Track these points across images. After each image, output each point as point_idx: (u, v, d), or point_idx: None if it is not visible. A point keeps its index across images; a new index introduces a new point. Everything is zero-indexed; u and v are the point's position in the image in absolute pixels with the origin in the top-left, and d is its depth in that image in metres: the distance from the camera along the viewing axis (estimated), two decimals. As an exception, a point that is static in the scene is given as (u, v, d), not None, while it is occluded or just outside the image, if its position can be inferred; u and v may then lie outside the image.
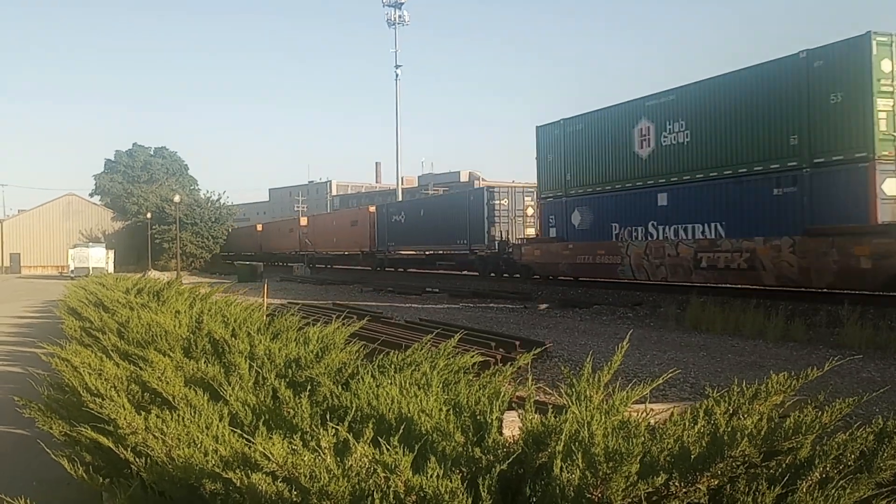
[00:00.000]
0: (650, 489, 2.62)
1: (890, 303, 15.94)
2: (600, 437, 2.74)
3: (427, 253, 39.05)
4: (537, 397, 5.08)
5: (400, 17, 67.26)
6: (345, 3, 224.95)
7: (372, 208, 46.40)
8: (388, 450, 2.78)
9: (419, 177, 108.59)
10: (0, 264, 69.76)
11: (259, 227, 70.33)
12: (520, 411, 3.31)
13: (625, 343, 4.23)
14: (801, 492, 2.65)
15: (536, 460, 2.95)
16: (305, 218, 59.75)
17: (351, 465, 2.84)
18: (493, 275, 31.98)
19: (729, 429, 2.79)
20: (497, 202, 32.48)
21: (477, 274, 33.39)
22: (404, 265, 43.57)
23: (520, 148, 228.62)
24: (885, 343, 11.94)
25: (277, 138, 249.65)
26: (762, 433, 2.79)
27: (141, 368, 5.02)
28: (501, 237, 31.85)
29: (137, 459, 3.58)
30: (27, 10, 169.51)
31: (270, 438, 3.02)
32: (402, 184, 73.78)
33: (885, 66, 14.66)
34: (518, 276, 29.15)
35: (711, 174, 18.58)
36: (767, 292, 19.28)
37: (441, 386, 4.26)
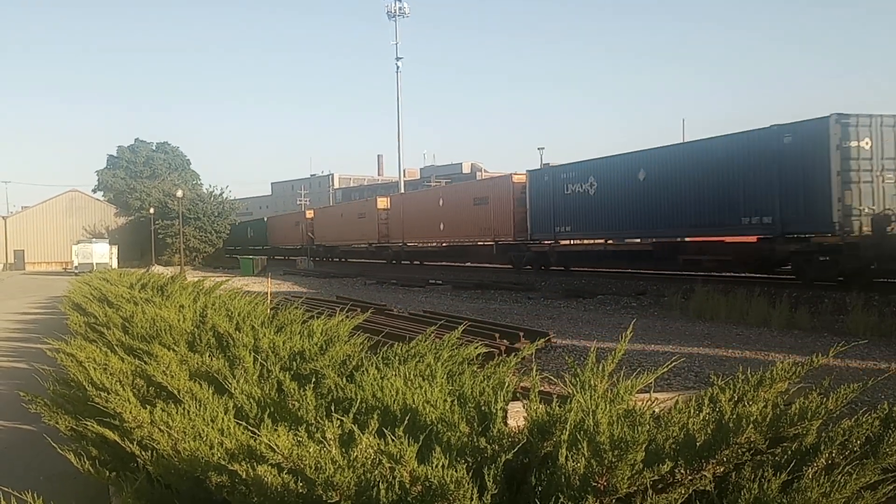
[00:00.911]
0: (656, 477, 2.62)
1: (895, 290, 15.91)
2: (605, 426, 2.73)
3: (650, 241, 23.48)
4: (541, 387, 5.09)
5: (400, 9, 67.16)
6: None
7: (519, 177, 30.28)
8: (393, 441, 2.78)
9: (421, 169, 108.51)
10: (4, 261, 69.92)
11: (310, 214, 57.83)
12: (524, 401, 3.30)
13: (628, 332, 4.22)
14: (806, 478, 2.65)
15: (541, 449, 2.95)
16: (385, 199, 45.68)
17: (356, 456, 2.85)
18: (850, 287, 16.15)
19: (734, 416, 2.79)
20: (855, 144, 16.79)
21: (796, 281, 18.86)
22: (588, 261, 27.10)
23: (521, 140, 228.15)
24: (889, 330, 11.93)
25: (279, 132, 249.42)
26: (767, 420, 2.79)
27: (146, 363, 5.03)
28: (878, 210, 16.79)
29: (143, 453, 3.59)
30: (29, 6, 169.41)
31: (276, 431, 3.03)
32: (405, 176, 73.68)
33: None
34: None
35: None
36: (771, 280, 19.27)
37: (445, 377, 4.27)
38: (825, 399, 2.93)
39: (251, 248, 66.83)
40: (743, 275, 21.18)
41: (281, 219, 66.88)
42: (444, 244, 37.52)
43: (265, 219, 69.36)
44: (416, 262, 42.05)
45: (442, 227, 36.18)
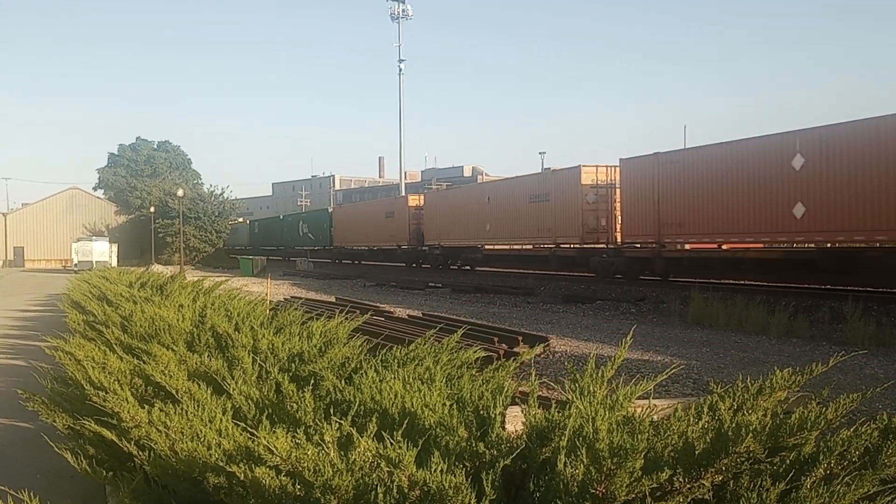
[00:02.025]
0: (654, 485, 2.61)
1: (893, 299, 15.92)
2: (604, 433, 2.73)
3: None
4: (540, 392, 5.08)
5: (403, 11, 67.13)
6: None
7: None
8: (391, 444, 2.78)
9: (422, 171, 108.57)
10: (4, 258, 69.88)
11: (416, 200, 40.27)
12: (523, 406, 3.30)
13: (628, 338, 4.22)
14: (805, 488, 2.65)
15: (540, 455, 2.95)
16: (596, 167, 26.48)
17: (354, 459, 2.84)
18: None
19: (733, 424, 2.79)
20: None
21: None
22: None
23: (522, 144, 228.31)
24: (888, 340, 11.92)
25: (281, 133, 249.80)
26: (767, 429, 2.79)
27: (144, 362, 5.02)
28: None
29: (141, 453, 3.58)
30: (30, 2, 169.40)
31: (274, 432, 3.02)
32: (406, 178, 73.66)
33: None
34: None
35: None
36: (770, 288, 19.27)
37: (444, 381, 4.26)
38: (824, 409, 2.93)
39: (299, 249, 53.71)
40: (741, 282, 21.19)
41: (358, 209, 49.25)
42: (794, 245, 19.47)
43: (329, 210, 53.52)
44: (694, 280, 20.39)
45: (800, 212, 18.17)
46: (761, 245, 20.08)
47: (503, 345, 11.13)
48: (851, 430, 2.88)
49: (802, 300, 16.70)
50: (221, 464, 3.05)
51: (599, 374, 3.64)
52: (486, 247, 33.64)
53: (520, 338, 11.75)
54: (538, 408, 3.25)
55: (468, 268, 35.87)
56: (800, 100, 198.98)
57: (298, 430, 3.21)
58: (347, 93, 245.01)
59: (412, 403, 3.48)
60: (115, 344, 6.28)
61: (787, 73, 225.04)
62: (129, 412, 3.74)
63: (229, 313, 7.62)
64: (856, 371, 9.52)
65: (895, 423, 2.90)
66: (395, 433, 2.91)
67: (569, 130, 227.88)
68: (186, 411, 3.69)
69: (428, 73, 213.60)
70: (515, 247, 31.43)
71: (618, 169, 25.18)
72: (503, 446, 2.98)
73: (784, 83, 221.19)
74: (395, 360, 4.91)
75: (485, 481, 2.64)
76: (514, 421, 3.68)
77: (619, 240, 25.21)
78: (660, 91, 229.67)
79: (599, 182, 26.41)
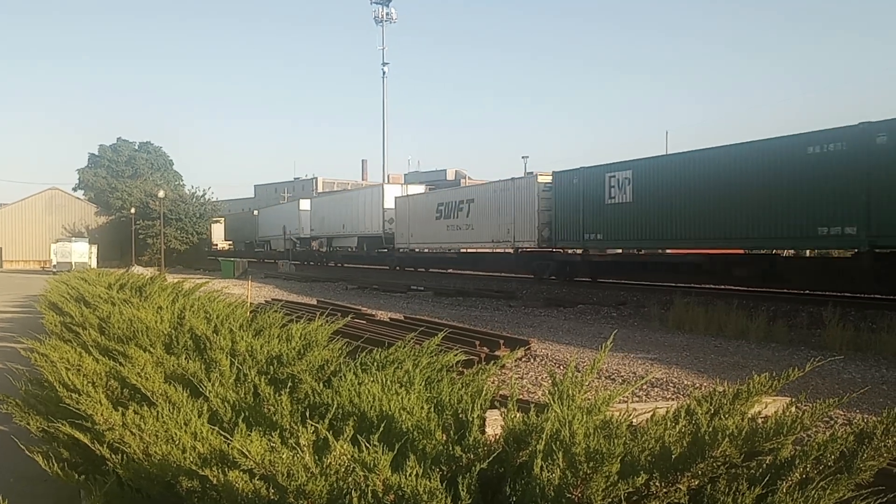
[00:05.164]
0: (630, 489, 2.61)
1: (870, 304, 16.10)
2: (581, 437, 2.72)
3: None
4: (520, 396, 5.07)
5: (387, 14, 67.25)
6: (333, 0, 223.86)
7: None
8: (367, 448, 2.75)
9: (405, 175, 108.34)
10: (-19, 258, 69.00)
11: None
12: (502, 410, 3.29)
13: (608, 342, 4.23)
14: (781, 492, 2.65)
15: (517, 459, 2.93)
16: None
17: (330, 463, 2.81)
18: None
19: (710, 429, 2.79)
20: None
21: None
22: None
23: (504, 148, 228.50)
24: (865, 344, 12.04)
25: (264, 134, 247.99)
26: (743, 433, 2.79)
27: (121, 364, 4.96)
28: None
29: (114, 456, 3.53)
30: (11, 3, 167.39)
31: (249, 436, 2.99)
32: (388, 181, 73.52)
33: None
34: None
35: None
36: (750, 293, 19.42)
37: (423, 384, 4.24)
38: (801, 413, 2.94)
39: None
40: (722, 287, 21.34)
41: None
42: None
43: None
44: None
45: None
46: None
47: (484, 348, 11.12)
48: (828, 434, 2.89)
49: (781, 305, 16.85)
50: (195, 467, 3.02)
51: (579, 378, 3.64)
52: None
53: (501, 341, 11.75)
54: (517, 411, 3.24)
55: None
56: (770, 108, 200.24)
57: (274, 434, 3.18)
58: (331, 95, 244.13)
59: (390, 407, 3.46)
60: (92, 346, 6.21)
61: (758, 83, 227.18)
62: (102, 414, 3.69)
63: (208, 315, 7.55)
64: (834, 376, 9.60)
65: (870, 428, 2.91)
66: (371, 437, 2.89)
67: (551, 135, 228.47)
68: (161, 414, 3.65)
69: (411, 77, 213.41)
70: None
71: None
72: (480, 450, 2.97)
73: (756, 93, 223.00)
74: (375, 363, 4.88)
75: (460, 485, 2.63)
76: (494, 425, 3.67)
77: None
78: (641, 97, 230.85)
79: None
